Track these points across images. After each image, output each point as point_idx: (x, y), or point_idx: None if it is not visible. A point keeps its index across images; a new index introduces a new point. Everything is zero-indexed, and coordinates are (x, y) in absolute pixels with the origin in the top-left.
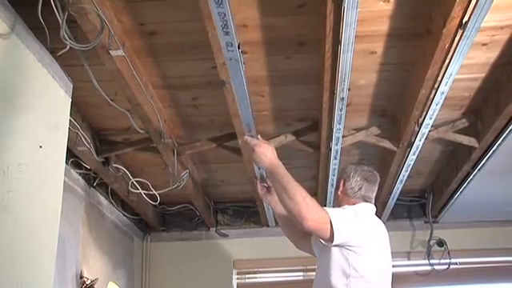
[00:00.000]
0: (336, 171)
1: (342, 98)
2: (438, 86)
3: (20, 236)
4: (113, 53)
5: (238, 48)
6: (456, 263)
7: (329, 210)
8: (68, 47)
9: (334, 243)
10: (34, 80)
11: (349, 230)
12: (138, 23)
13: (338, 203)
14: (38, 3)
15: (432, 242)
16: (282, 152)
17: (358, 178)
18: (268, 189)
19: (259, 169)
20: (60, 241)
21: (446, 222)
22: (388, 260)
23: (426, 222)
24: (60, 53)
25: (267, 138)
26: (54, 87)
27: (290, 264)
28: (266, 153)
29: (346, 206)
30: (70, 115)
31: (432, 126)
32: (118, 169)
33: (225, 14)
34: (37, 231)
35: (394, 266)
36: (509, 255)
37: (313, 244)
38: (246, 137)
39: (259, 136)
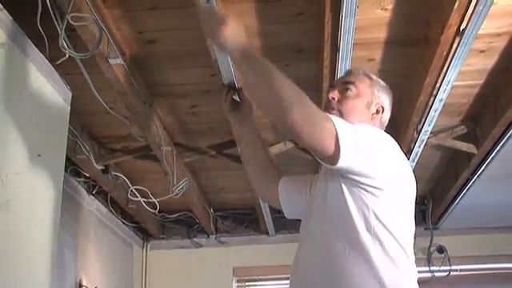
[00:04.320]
0: None
1: None
2: (437, 93)
3: (18, 244)
4: (112, 61)
5: None
6: (456, 270)
7: (337, 118)
8: (67, 56)
9: (339, 165)
10: (32, 88)
11: (368, 154)
12: (136, 31)
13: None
14: (37, 12)
15: (432, 249)
16: (281, 159)
17: (389, 113)
18: (236, 103)
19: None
20: (59, 249)
21: (446, 228)
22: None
23: (425, 229)
24: (59, 61)
25: (266, 145)
26: (53, 95)
27: (290, 272)
28: (239, 31)
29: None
30: (69, 123)
31: (431, 132)
32: (117, 176)
33: None
34: (35, 240)
35: None
36: (510, 262)
37: (291, 194)
38: (206, 4)
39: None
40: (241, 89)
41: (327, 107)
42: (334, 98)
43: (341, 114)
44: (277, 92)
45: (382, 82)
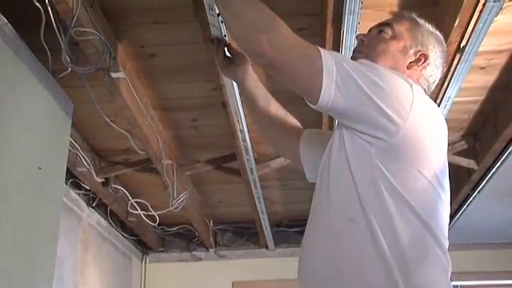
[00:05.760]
0: None
1: None
2: None
3: (18, 257)
4: (113, 75)
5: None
6: (457, 286)
7: (329, 51)
8: (69, 70)
9: (321, 102)
10: (35, 101)
11: (367, 93)
12: (138, 45)
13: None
14: (41, 26)
15: None
16: (282, 173)
17: (440, 69)
18: (229, 58)
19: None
20: (58, 261)
21: None
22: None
23: None
24: (61, 75)
25: (267, 159)
26: (55, 108)
27: (289, 286)
28: None
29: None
30: (70, 136)
31: None
32: (117, 189)
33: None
34: (35, 252)
35: None
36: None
37: (308, 150)
38: None
39: None
40: (229, 44)
41: (353, 52)
42: (363, 41)
43: (368, 59)
44: (245, 17)
45: (432, 29)
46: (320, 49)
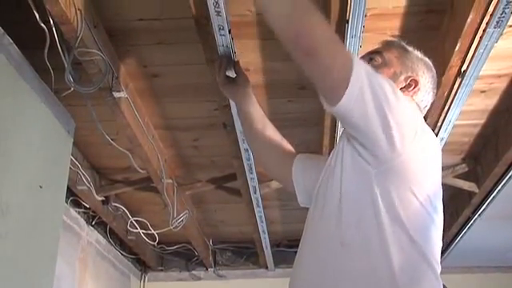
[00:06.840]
0: None
1: None
2: (438, 132)
3: (16, 275)
4: (116, 94)
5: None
6: None
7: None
8: (72, 89)
9: (341, 103)
10: (37, 120)
11: (381, 110)
12: (141, 65)
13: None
14: (45, 46)
15: None
16: (282, 194)
17: (431, 95)
18: (231, 80)
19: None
20: (56, 279)
21: (446, 266)
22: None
23: None
24: (64, 94)
25: (267, 179)
26: (57, 127)
27: None
28: None
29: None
30: (71, 154)
31: None
32: (117, 208)
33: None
34: (33, 270)
35: None
36: None
37: (300, 173)
38: None
39: None
40: (237, 62)
41: None
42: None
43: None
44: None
45: (421, 56)
46: (353, 54)
